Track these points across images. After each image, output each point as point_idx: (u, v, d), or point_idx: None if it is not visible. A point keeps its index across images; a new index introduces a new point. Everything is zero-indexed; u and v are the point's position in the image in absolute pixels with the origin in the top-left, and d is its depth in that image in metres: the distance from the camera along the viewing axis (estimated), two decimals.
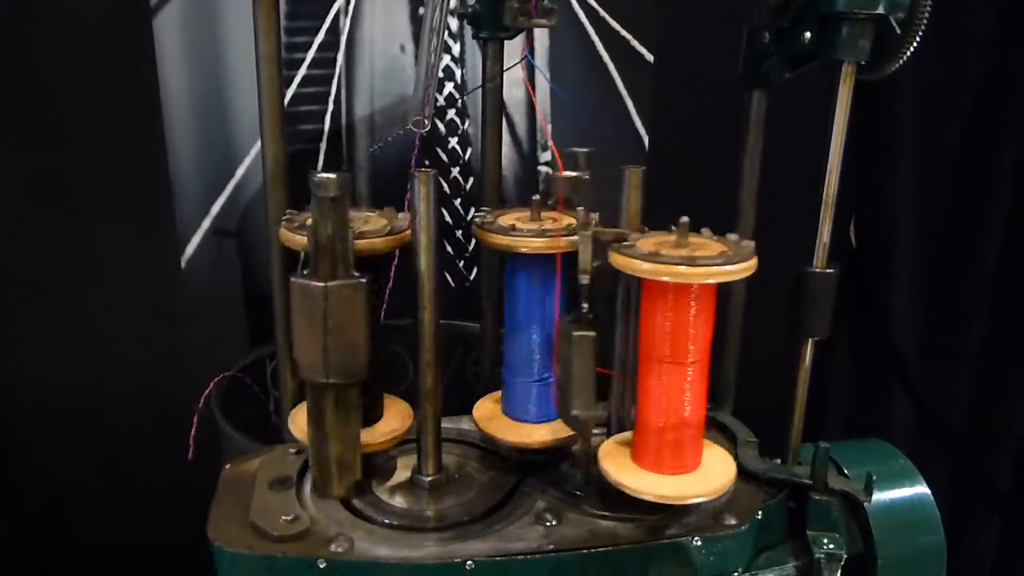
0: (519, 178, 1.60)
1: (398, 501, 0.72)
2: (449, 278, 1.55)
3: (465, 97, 1.55)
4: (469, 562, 0.64)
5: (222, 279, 1.53)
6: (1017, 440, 1.63)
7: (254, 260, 1.55)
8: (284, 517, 0.67)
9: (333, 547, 0.65)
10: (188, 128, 1.45)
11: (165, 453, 1.45)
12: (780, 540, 0.74)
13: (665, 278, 0.62)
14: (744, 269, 0.63)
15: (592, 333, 0.66)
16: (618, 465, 0.68)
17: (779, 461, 0.77)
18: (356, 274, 0.65)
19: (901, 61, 0.70)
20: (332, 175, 0.64)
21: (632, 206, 0.71)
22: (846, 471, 0.78)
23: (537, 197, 0.76)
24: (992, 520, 1.60)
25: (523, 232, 0.71)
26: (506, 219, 0.75)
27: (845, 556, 0.71)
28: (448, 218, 1.56)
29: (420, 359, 0.70)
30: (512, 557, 0.65)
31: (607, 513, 0.70)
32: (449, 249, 1.54)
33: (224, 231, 1.51)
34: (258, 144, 1.55)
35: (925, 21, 0.67)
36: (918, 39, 0.68)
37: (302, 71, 1.47)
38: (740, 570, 0.70)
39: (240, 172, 1.49)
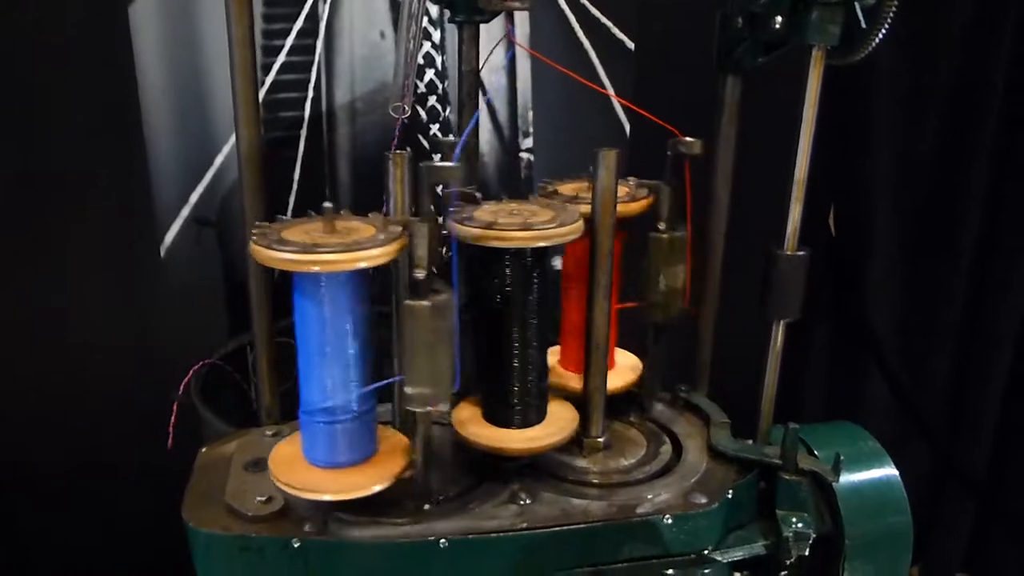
0: (500, 165, 1.61)
1: None
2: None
3: (446, 84, 1.55)
4: (443, 540, 0.64)
5: (202, 268, 1.53)
6: (992, 423, 1.65)
7: (233, 248, 1.55)
8: (259, 498, 0.67)
9: (307, 527, 0.65)
10: (166, 116, 1.44)
11: (145, 443, 1.44)
12: (750, 519, 0.75)
13: None
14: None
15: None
16: None
17: (751, 442, 0.78)
18: None
19: (871, 47, 0.71)
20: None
21: (607, 188, 0.71)
22: (816, 452, 0.79)
23: (328, 204, 0.66)
24: (967, 501, 1.63)
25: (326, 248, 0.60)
26: (292, 233, 0.64)
27: (814, 535, 0.72)
28: None
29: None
30: (485, 535, 0.65)
31: (582, 491, 0.71)
32: None
33: (203, 219, 1.50)
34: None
35: (893, 9, 0.68)
36: (886, 26, 0.69)
37: (281, 58, 1.47)
38: (710, 548, 0.71)
39: (219, 160, 1.48)
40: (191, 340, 1.48)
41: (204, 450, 0.76)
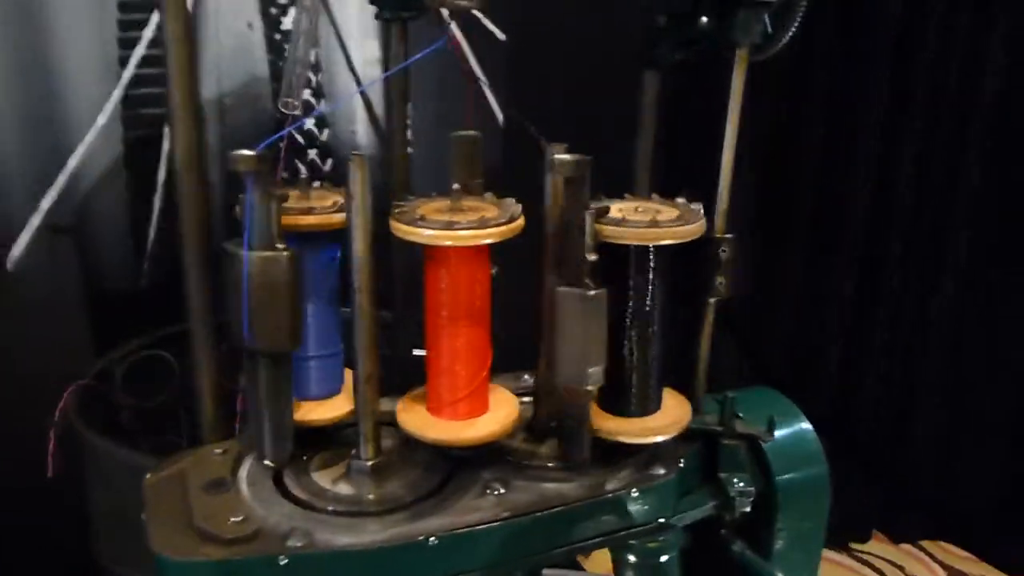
0: (380, 159, 1.59)
1: (343, 488, 0.71)
2: None
3: (320, 76, 1.52)
4: (432, 539, 0.65)
5: (58, 281, 1.41)
6: (832, 380, 1.85)
7: (96, 258, 1.44)
8: (233, 519, 0.65)
9: (291, 542, 0.63)
10: (9, 117, 1.31)
11: (11, 472, 1.33)
12: (697, 485, 0.81)
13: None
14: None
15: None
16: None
17: None
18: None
19: (778, 47, 0.78)
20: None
21: (558, 186, 0.74)
22: (740, 416, 0.86)
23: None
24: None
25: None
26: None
27: (755, 491, 0.79)
28: None
29: (357, 344, 0.70)
30: (472, 528, 0.67)
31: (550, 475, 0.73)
32: None
33: (58, 227, 1.39)
34: (93, 131, 1.44)
35: (801, 12, 0.75)
36: (793, 28, 0.76)
37: (140, 51, 1.38)
38: (669, 514, 0.76)
39: (73, 163, 1.37)
40: (50, 360, 1.37)
41: (149, 476, 0.72)
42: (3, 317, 1.36)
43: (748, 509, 0.80)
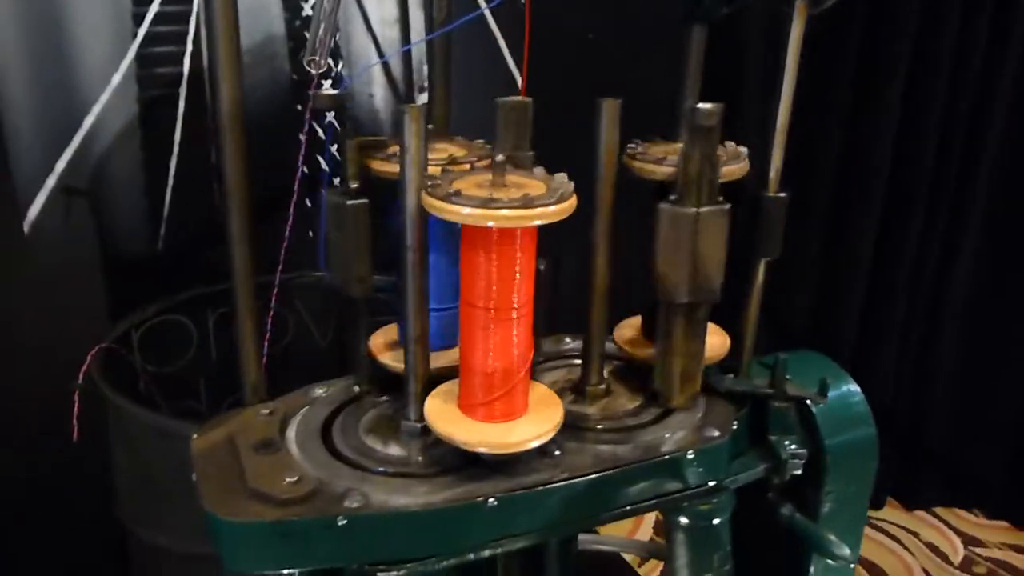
0: (396, 120, 1.56)
1: (394, 449, 0.70)
2: None
3: (338, 37, 1.48)
4: (491, 499, 0.64)
5: (74, 243, 1.39)
6: (848, 347, 1.85)
7: (111, 220, 1.42)
8: (288, 479, 0.63)
9: (348, 503, 0.62)
10: (21, 73, 1.28)
11: (31, 437, 1.32)
12: (746, 447, 0.80)
13: None
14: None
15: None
16: None
17: (732, 376, 0.83)
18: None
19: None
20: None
21: (609, 139, 0.72)
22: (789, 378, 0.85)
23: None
24: None
25: None
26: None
27: (807, 453, 0.78)
28: (325, 166, 1.49)
29: (408, 304, 0.68)
30: (531, 489, 0.65)
31: (604, 437, 0.72)
32: None
33: (74, 189, 1.36)
34: (108, 91, 1.41)
35: None
36: None
37: (154, 7, 1.34)
38: (722, 476, 0.75)
39: (89, 122, 1.34)
40: (67, 324, 1.36)
41: (196, 437, 0.70)
42: (20, 281, 1.34)
43: (799, 472, 0.79)
